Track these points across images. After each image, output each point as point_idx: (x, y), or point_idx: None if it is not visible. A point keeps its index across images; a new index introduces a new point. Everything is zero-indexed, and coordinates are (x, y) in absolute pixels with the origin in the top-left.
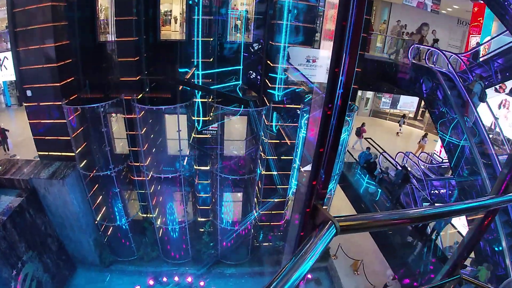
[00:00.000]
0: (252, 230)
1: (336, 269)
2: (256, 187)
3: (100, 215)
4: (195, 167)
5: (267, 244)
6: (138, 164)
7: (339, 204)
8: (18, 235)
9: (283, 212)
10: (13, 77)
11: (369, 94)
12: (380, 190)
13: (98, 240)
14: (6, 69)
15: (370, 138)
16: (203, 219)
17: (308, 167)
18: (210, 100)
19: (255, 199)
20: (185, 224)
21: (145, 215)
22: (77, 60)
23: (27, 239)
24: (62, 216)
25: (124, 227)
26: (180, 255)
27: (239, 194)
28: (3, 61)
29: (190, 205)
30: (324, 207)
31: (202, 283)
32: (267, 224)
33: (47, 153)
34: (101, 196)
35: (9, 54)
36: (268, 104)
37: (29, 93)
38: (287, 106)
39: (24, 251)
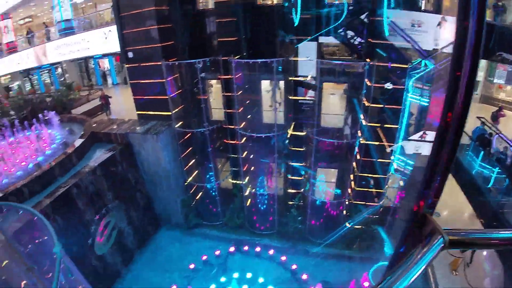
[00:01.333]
0: (345, 209)
1: (432, 266)
2: (354, 162)
3: (191, 177)
4: (289, 132)
5: (360, 226)
6: (232, 127)
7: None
8: (107, 183)
9: (383, 191)
10: (117, 48)
11: (479, 77)
12: (494, 175)
13: (185, 201)
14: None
15: (483, 117)
16: (293, 191)
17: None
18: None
19: (352, 174)
20: (275, 195)
21: (234, 181)
22: (177, 26)
23: (116, 190)
24: (153, 174)
25: (212, 191)
26: (265, 227)
27: (334, 170)
28: (107, 34)
29: (281, 176)
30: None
31: (305, 276)
32: (362, 204)
33: (144, 112)
34: (193, 159)
35: (113, 28)
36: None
37: (130, 54)
38: (393, 65)
39: (111, 199)
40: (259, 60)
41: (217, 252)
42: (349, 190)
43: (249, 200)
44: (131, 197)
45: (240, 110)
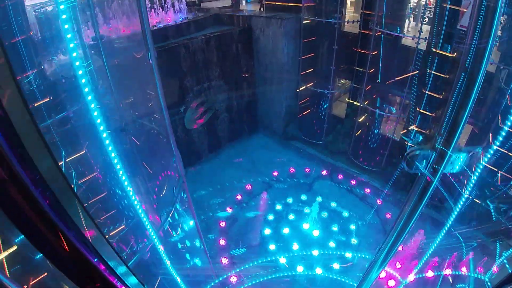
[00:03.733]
0: None
1: None
2: None
3: (304, 81)
4: None
5: None
6: (366, 32)
7: None
8: (216, 58)
9: None
10: None
11: None
12: None
13: (291, 108)
14: None
15: None
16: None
17: None
18: None
19: None
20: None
21: (351, 101)
22: None
23: (224, 69)
24: (266, 66)
25: (324, 102)
26: (369, 163)
27: None
28: None
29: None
30: None
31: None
32: None
33: (273, 3)
34: (312, 60)
35: None
36: None
37: None
38: None
39: (215, 77)
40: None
41: (307, 170)
42: None
43: (360, 130)
44: (237, 84)
45: None
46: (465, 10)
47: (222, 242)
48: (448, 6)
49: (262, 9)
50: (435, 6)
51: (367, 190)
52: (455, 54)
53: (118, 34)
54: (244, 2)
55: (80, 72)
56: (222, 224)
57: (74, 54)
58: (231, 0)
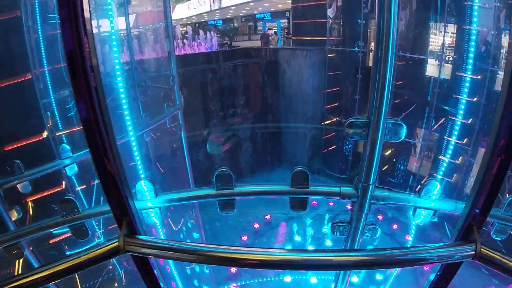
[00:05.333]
0: None
1: None
2: None
3: (330, 107)
4: None
5: None
6: None
7: None
8: (242, 87)
9: None
10: None
11: None
12: None
13: (315, 141)
14: None
15: None
16: None
17: None
18: None
19: None
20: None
21: None
22: None
23: (249, 99)
24: (291, 98)
25: (350, 139)
26: None
27: None
28: None
29: None
30: None
31: None
32: None
33: (300, 38)
34: (337, 94)
35: None
36: None
37: None
38: None
39: (241, 105)
40: None
41: (330, 203)
42: None
43: (387, 165)
44: (261, 114)
45: None
46: None
47: (232, 269)
48: None
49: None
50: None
51: (395, 226)
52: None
53: (148, 57)
54: (273, 43)
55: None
56: None
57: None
58: (261, 41)
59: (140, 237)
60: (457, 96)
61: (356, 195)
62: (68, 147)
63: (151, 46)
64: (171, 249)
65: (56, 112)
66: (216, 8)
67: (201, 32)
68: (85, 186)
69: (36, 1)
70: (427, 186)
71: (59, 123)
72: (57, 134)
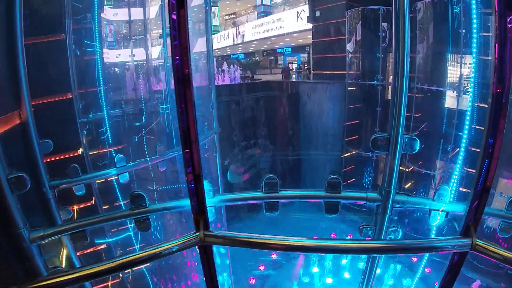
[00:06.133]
0: None
1: None
2: None
3: (348, 147)
4: None
5: None
6: None
7: None
8: (264, 118)
9: None
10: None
11: None
12: None
13: (335, 173)
14: None
15: None
16: None
17: None
18: None
19: None
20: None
21: None
22: None
23: (270, 130)
24: (312, 130)
25: (367, 168)
26: (415, 231)
27: None
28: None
29: None
30: None
31: None
32: None
33: (321, 71)
34: (357, 126)
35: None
36: None
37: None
38: None
39: (262, 136)
40: None
41: (349, 236)
42: None
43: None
44: (282, 145)
45: None
46: None
47: None
48: None
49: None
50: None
51: (414, 259)
52: None
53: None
54: (294, 77)
55: None
56: (252, 281)
57: None
58: (282, 74)
59: (216, 232)
60: (475, 126)
61: (380, 199)
62: (123, 157)
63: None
64: (245, 242)
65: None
66: (239, 42)
67: (225, 64)
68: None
69: (81, 27)
70: (439, 190)
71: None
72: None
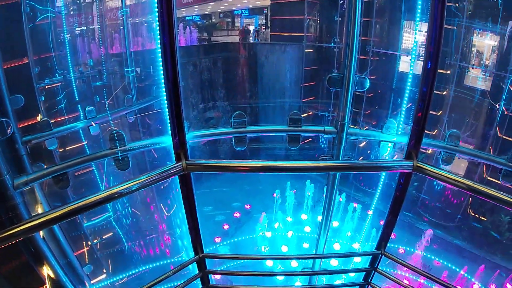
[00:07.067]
0: None
1: None
2: None
3: (306, 108)
4: None
5: None
6: None
7: None
8: (223, 80)
9: None
10: None
11: None
12: None
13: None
14: None
15: None
16: None
17: None
18: None
19: None
20: None
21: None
22: None
23: (228, 92)
24: (270, 91)
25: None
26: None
27: None
28: None
29: None
30: None
31: None
32: None
33: (278, 33)
34: (314, 88)
35: None
36: None
37: None
38: None
39: (221, 97)
40: None
41: None
42: None
43: None
44: (240, 107)
45: None
46: None
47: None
48: None
49: None
50: None
51: None
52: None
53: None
54: (251, 39)
55: None
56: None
57: None
58: (239, 36)
59: (196, 160)
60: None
61: (335, 132)
62: (93, 108)
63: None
64: (220, 166)
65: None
66: (194, 4)
67: (180, 26)
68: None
69: None
70: (387, 123)
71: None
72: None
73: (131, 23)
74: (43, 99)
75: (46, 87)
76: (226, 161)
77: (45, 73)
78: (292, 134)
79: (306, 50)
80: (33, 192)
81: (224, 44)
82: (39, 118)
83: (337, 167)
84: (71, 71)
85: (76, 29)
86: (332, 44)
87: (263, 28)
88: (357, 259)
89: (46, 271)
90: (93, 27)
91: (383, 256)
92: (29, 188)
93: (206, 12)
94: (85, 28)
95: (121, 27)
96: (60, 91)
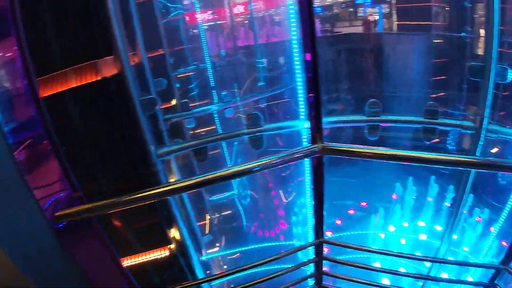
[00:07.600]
0: None
1: None
2: None
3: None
4: None
5: None
6: None
7: None
8: (346, 71)
9: None
10: None
11: None
12: None
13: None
14: None
15: None
16: None
17: None
18: None
19: None
20: None
21: None
22: None
23: (351, 84)
24: (394, 84)
25: None
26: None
27: None
28: None
29: None
30: None
31: None
32: None
33: (405, 22)
34: (443, 82)
35: None
36: None
37: None
38: None
39: (344, 89)
40: None
41: None
42: None
43: None
44: (363, 100)
45: None
46: None
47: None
48: None
49: None
50: None
51: None
52: None
53: None
54: (375, 29)
55: None
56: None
57: None
58: (363, 26)
59: (332, 144)
60: None
61: (474, 127)
62: (228, 93)
63: None
64: (356, 152)
65: None
66: None
67: None
68: None
69: None
70: None
71: None
72: None
73: (257, 17)
74: (178, 85)
75: (180, 75)
76: (363, 147)
77: (178, 64)
78: (427, 127)
79: (434, 40)
80: (169, 163)
81: (347, 35)
82: (173, 102)
83: (474, 163)
84: (206, 61)
85: (203, 25)
86: (464, 33)
87: (388, 18)
88: None
89: (173, 233)
90: (221, 22)
91: (506, 272)
92: (167, 159)
93: (327, 3)
94: (213, 23)
95: (245, 22)
96: (193, 79)
